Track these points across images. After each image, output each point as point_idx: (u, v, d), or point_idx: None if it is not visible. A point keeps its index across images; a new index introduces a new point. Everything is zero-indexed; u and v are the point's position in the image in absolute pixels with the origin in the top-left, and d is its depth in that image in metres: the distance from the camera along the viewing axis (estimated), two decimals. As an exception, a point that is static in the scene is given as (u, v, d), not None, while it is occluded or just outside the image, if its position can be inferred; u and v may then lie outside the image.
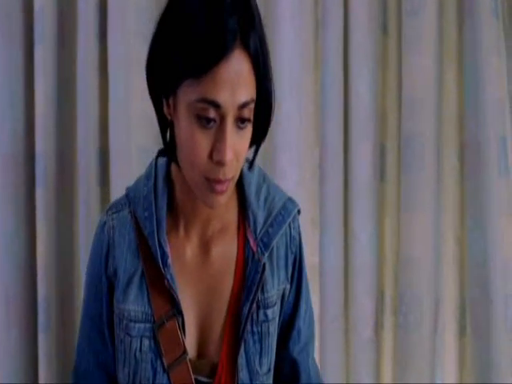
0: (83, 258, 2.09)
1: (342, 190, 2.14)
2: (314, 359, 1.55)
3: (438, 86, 2.07)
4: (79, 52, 2.13)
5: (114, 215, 1.40)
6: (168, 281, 1.32)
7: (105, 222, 1.40)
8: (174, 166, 1.38)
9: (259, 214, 1.39)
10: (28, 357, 2.18)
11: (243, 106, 1.20)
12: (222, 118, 1.20)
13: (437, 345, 2.12)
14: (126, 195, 1.42)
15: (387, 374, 2.16)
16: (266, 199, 1.42)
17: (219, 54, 1.16)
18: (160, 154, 1.40)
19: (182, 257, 1.37)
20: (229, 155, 1.20)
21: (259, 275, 1.36)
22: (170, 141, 1.31)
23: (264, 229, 1.39)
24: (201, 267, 1.38)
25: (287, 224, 1.42)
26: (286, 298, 1.45)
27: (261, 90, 1.23)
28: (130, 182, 1.46)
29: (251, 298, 1.35)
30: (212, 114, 1.19)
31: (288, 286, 1.44)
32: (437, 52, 2.06)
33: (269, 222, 1.40)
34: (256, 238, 1.38)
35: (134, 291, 1.35)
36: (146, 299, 1.35)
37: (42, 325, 2.13)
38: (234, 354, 1.36)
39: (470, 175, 2.12)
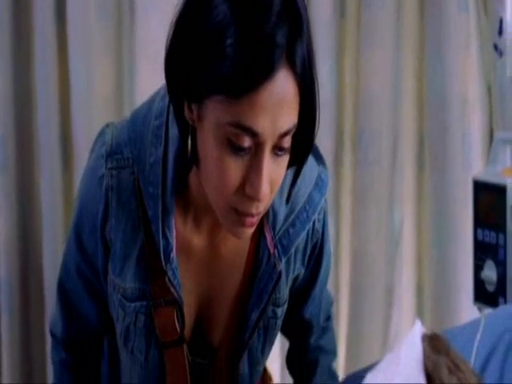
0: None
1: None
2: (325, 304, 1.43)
3: None
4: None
5: (114, 172, 1.16)
6: (169, 278, 1.16)
7: (102, 176, 1.16)
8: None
9: (281, 210, 1.20)
10: None
11: (284, 134, 0.98)
12: (259, 147, 0.98)
13: (395, 179, 2.17)
14: (130, 141, 1.17)
15: (346, 211, 2.21)
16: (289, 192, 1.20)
17: (262, 75, 0.94)
18: (171, 100, 1.09)
19: (187, 246, 1.20)
20: (264, 190, 1.00)
21: (273, 283, 1.22)
22: (191, 148, 1.07)
23: (284, 227, 1.21)
24: (208, 258, 1.21)
25: (312, 222, 1.24)
26: (299, 279, 1.30)
27: (304, 110, 1.00)
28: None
29: (261, 306, 1.23)
30: (247, 142, 0.97)
31: (302, 271, 1.29)
32: None
33: (290, 219, 1.21)
34: (274, 237, 1.20)
35: (131, 269, 1.18)
36: (144, 279, 1.19)
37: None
38: (235, 343, 1.26)
39: (430, 11, 2.12)
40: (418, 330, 0.85)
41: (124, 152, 1.16)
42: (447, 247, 2.14)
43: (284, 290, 1.25)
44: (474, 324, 1.08)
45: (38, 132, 2.06)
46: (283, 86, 0.95)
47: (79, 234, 1.21)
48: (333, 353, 1.44)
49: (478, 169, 2.03)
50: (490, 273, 1.67)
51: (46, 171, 2.05)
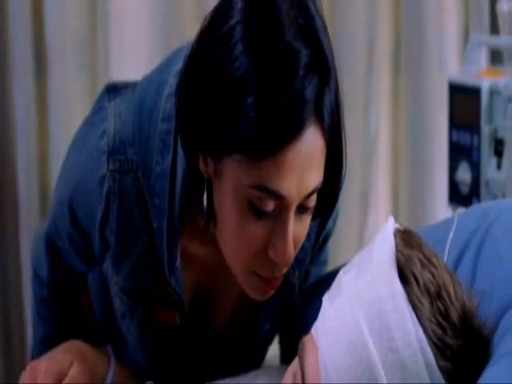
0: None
1: None
2: None
3: None
4: None
5: (117, 176, 1.06)
6: (172, 287, 1.08)
7: (104, 176, 1.07)
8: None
9: None
10: None
11: (311, 193, 0.92)
12: (283, 209, 0.90)
13: (371, 83, 2.16)
14: (134, 141, 1.07)
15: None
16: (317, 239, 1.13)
17: (289, 135, 0.86)
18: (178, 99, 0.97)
19: (191, 253, 1.10)
20: (290, 254, 0.92)
21: (286, 297, 1.15)
22: (207, 204, 0.97)
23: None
24: (213, 266, 1.11)
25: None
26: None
27: (331, 163, 0.93)
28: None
29: (276, 317, 1.18)
30: (271, 206, 0.89)
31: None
32: None
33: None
34: None
35: (130, 268, 1.11)
36: (143, 280, 1.11)
37: None
38: (239, 323, 1.20)
39: None
40: (390, 226, 0.87)
41: (128, 153, 1.06)
42: (423, 150, 2.15)
43: (297, 296, 1.17)
44: (447, 223, 1.10)
45: (11, 39, 2.01)
46: (311, 143, 0.88)
47: (73, 210, 1.12)
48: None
49: (453, 72, 2.02)
50: (464, 174, 1.69)
51: (19, 77, 2.01)
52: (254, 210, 0.90)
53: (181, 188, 1.01)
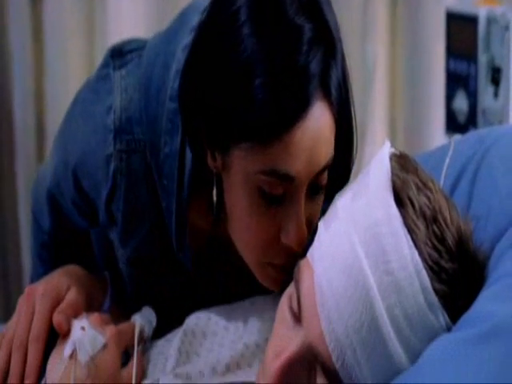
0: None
1: None
2: None
3: None
4: None
5: (124, 156, 1.05)
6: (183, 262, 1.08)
7: (110, 155, 1.05)
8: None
9: None
10: None
11: (321, 171, 0.90)
12: (294, 190, 0.88)
13: (369, 15, 2.14)
14: (141, 120, 1.05)
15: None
16: None
17: (296, 114, 0.84)
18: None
19: (197, 222, 1.07)
20: (303, 237, 0.91)
21: None
22: (217, 199, 0.96)
23: None
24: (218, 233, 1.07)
25: None
26: None
27: (340, 138, 0.91)
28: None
29: None
30: (281, 189, 0.88)
31: None
32: None
33: None
34: None
35: (136, 241, 1.10)
36: (151, 250, 1.11)
37: None
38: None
39: None
40: (386, 150, 0.86)
41: (135, 132, 1.05)
42: (420, 80, 2.14)
43: None
44: (443, 149, 1.09)
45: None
46: (318, 119, 0.86)
47: (78, 178, 1.11)
48: None
49: (451, 0, 2.00)
50: (461, 103, 1.68)
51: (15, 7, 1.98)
52: (265, 197, 0.89)
53: (190, 169, 0.99)
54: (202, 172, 0.96)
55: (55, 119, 1.84)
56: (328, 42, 0.86)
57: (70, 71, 1.97)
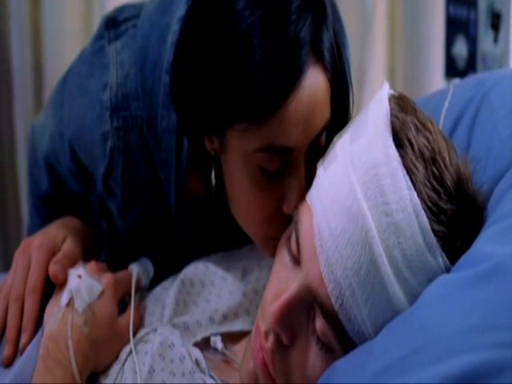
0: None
1: None
2: None
3: None
4: None
5: (121, 133, 1.05)
6: (182, 229, 1.10)
7: (107, 133, 1.05)
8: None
9: None
10: None
11: (318, 135, 0.88)
12: (293, 160, 0.88)
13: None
14: (138, 95, 1.04)
15: None
16: None
17: (289, 85, 0.82)
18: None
19: (194, 188, 1.07)
20: None
21: None
22: (216, 181, 0.96)
23: None
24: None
25: None
26: None
27: (336, 99, 0.90)
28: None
29: None
30: (280, 163, 0.87)
31: None
32: None
33: None
34: None
35: (135, 214, 1.11)
36: (150, 222, 1.11)
37: None
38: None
39: None
40: (385, 92, 0.86)
41: (132, 108, 1.04)
42: (419, 25, 2.11)
43: None
44: (443, 93, 1.09)
45: None
46: (312, 86, 0.84)
47: (74, 151, 1.11)
48: None
49: None
50: (460, 48, 1.67)
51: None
52: (265, 174, 0.88)
53: (188, 142, 0.99)
54: (199, 153, 0.96)
55: (54, 65, 1.83)
56: (318, 4, 0.85)
57: (68, 15, 1.95)
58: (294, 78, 0.83)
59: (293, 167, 0.89)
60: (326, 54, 0.86)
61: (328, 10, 0.86)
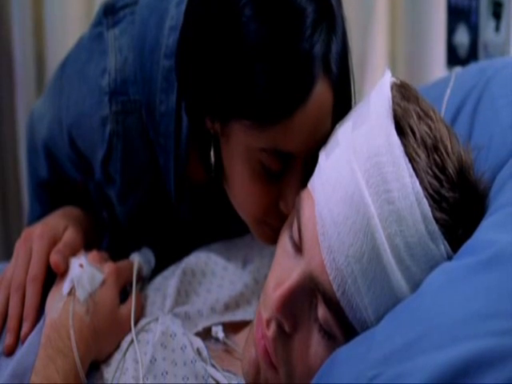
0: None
1: None
2: None
3: None
4: None
5: (120, 118, 1.05)
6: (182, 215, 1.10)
7: (106, 117, 1.05)
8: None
9: None
10: None
11: (321, 142, 0.89)
12: (294, 162, 0.89)
13: None
14: (136, 80, 1.04)
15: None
16: None
17: (300, 98, 0.83)
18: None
19: (193, 173, 1.07)
20: None
21: None
22: (215, 160, 0.96)
23: None
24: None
25: None
26: None
27: (339, 108, 0.90)
28: None
29: None
30: (282, 164, 0.88)
31: None
32: None
33: None
34: None
35: (135, 200, 1.11)
36: (150, 208, 1.12)
37: None
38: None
39: None
40: (387, 79, 0.85)
41: (130, 93, 1.04)
42: (421, 14, 2.10)
43: None
44: (445, 81, 1.09)
45: None
46: (320, 98, 0.85)
47: (72, 138, 1.11)
48: None
49: None
50: (462, 37, 1.66)
51: None
52: (265, 172, 0.89)
53: (187, 126, 0.99)
54: (199, 130, 0.95)
55: (55, 54, 1.83)
56: (330, 17, 0.86)
57: (69, 5, 1.95)
58: (304, 92, 0.84)
59: (292, 169, 0.90)
60: (334, 67, 0.86)
61: (338, 20, 0.87)
